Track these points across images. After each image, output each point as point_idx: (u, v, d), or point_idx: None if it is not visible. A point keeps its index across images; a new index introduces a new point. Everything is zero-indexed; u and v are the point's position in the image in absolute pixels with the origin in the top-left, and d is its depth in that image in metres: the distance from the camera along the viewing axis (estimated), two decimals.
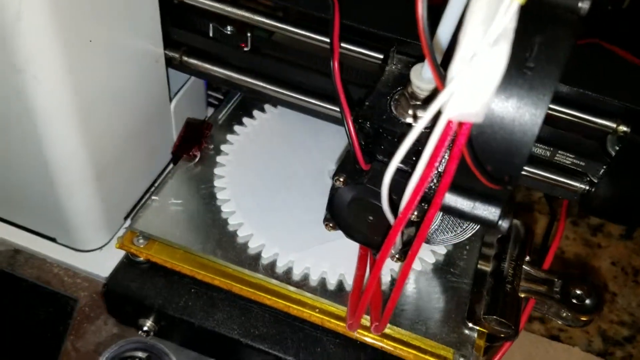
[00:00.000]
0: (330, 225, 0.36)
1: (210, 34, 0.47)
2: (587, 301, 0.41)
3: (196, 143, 0.48)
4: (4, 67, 0.34)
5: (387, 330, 0.39)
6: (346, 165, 0.33)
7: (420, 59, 0.31)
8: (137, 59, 0.42)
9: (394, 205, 0.30)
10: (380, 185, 0.28)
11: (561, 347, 0.61)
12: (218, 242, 0.42)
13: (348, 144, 0.32)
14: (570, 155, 0.40)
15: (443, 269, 0.43)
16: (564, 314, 0.41)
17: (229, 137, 0.49)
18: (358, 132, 0.32)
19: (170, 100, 0.49)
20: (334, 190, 0.34)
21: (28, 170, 0.41)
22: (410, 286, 0.41)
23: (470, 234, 0.42)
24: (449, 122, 0.24)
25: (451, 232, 0.42)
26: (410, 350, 0.39)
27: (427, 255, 0.43)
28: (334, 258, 0.41)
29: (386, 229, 0.31)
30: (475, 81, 0.23)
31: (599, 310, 0.41)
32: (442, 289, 0.41)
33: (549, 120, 0.39)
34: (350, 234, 0.35)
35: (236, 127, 0.50)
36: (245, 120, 0.50)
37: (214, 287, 0.41)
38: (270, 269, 0.41)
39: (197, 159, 0.47)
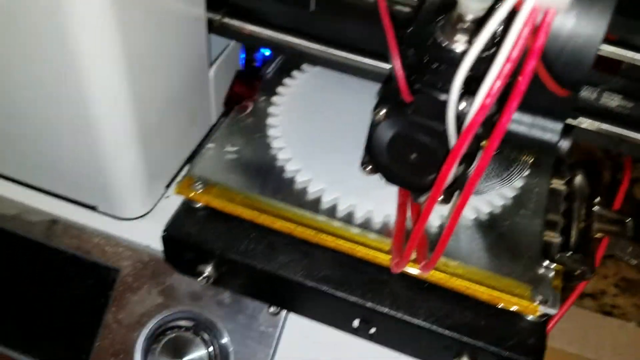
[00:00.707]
0: (369, 168, 0.34)
1: None
2: None
3: (248, 95, 0.47)
4: (51, 19, 0.33)
5: (457, 269, 0.38)
6: (388, 97, 0.30)
7: None
8: (177, 19, 0.41)
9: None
10: (426, 117, 0.26)
11: (616, 322, 0.59)
12: (277, 187, 0.41)
13: (390, 74, 0.30)
14: None
15: (512, 211, 0.41)
16: (635, 253, 0.40)
17: (279, 89, 0.48)
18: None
19: (210, 66, 0.47)
20: (374, 126, 0.32)
21: (71, 133, 0.40)
22: (477, 226, 0.40)
23: (516, 179, 0.41)
24: (534, 9, 0.22)
25: (497, 177, 0.41)
26: (483, 289, 0.37)
27: (495, 199, 0.41)
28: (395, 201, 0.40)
29: (432, 165, 0.29)
30: None
31: None
32: (513, 230, 0.40)
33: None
34: (390, 177, 0.34)
35: (285, 80, 0.49)
36: (294, 73, 0.49)
37: (274, 231, 0.40)
38: (331, 213, 0.40)
39: (248, 110, 0.46)
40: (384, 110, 0.30)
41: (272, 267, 0.39)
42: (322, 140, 0.44)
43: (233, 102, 0.47)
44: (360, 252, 0.39)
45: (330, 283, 0.39)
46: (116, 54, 0.35)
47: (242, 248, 0.40)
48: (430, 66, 0.29)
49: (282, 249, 0.40)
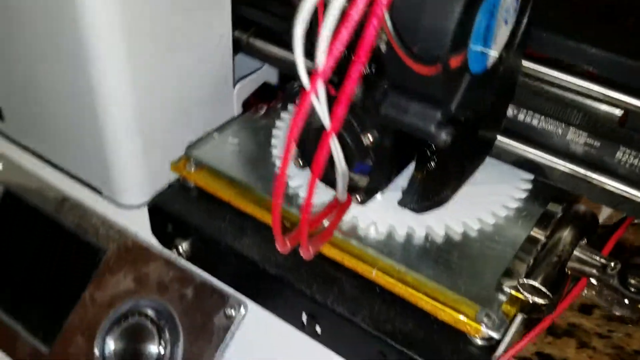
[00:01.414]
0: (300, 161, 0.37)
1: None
2: None
3: (267, 100, 0.49)
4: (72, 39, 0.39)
5: (407, 277, 0.36)
6: None
7: None
8: (201, 34, 0.44)
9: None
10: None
11: None
12: (262, 179, 0.42)
13: None
14: None
15: (489, 236, 0.39)
16: (618, 302, 0.36)
17: (297, 100, 0.49)
18: None
19: (237, 82, 0.50)
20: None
21: (79, 113, 0.44)
22: (446, 242, 0.38)
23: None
24: None
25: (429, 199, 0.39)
26: (427, 299, 0.35)
27: (472, 221, 0.39)
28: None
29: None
30: None
31: None
32: (483, 253, 0.38)
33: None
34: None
35: None
36: None
37: (248, 216, 0.41)
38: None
39: (262, 113, 0.48)
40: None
41: (235, 246, 0.40)
42: None
43: (250, 106, 0.49)
44: (326, 250, 0.38)
45: (282, 269, 0.39)
46: (122, 57, 0.40)
47: (215, 226, 0.41)
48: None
49: (250, 233, 0.41)
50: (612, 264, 0.37)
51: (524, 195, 0.41)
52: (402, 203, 0.39)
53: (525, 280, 0.35)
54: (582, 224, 0.39)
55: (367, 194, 0.38)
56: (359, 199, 0.37)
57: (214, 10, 0.45)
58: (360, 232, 0.38)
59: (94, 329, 0.45)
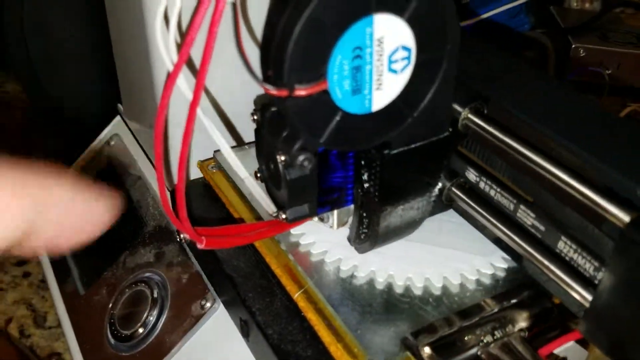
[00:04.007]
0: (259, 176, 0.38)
1: None
2: None
3: None
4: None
5: (324, 307, 0.37)
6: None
7: None
8: None
9: None
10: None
11: None
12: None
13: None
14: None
15: (430, 295, 0.38)
16: None
17: None
18: None
19: None
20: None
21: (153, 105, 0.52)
22: (383, 288, 0.38)
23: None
24: None
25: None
26: (329, 334, 0.36)
27: (417, 278, 0.38)
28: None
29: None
30: None
31: None
32: (410, 307, 0.37)
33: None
34: (268, 189, 0.37)
35: None
36: None
37: (233, 219, 0.44)
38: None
39: None
40: (256, 116, 0.35)
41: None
42: None
43: None
44: (274, 264, 0.40)
45: (236, 271, 0.42)
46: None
47: (207, 221, 0.46)
48: None
49: None
50: None
51: (504, 265, 0.39)
52: (348, 237, 0.40)
53: (426, 344, 0.34)
54: (535, 313, 0.36)
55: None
56: (283, 218, 0.37)
57: None
58: (312, 257, 0.40)
59: (115, 287, 0.53)
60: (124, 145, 0.62)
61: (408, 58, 0.30)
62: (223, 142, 0.40)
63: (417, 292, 0.38)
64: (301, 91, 0.27)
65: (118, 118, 0.64)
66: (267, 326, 0.38)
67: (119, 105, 0.64)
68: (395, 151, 0.34)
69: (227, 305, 0.44)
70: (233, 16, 0.30)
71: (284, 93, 0.27)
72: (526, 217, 0.34)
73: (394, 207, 0.37)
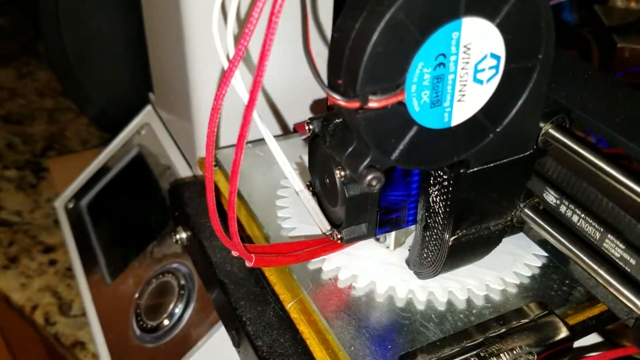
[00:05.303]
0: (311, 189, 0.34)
1: None
2: None
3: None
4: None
5: (314, 315, 0.34)
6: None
7: None
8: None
9: None
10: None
11: None
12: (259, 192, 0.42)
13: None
14: None
15: (431, 314, 0.35)
16: None
17: None
18: None
19: None
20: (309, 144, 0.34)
21: (184, 101, 0.51)
22: (385, 301, 0.35)
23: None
24: None
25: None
26: (322, 349, 0.33)
27: (421, 294, 0.36)
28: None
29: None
30: None
31: None
32: (412, 327, 0.34)
33: None
34: (320, 204, 0.34)
35: None
36: None
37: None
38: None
39: (306, 136, 0.50)
40: (312, 126, 0.32)
41: (205, 243, 0.41)
42: None
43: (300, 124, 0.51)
44: (268, 270, 0.38)
45: (229, 277, 0.39)
46: None
47: (200, 222, 0.43)
48: None
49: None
50: None
51: (516, 280, 0.36)
52: (407, 261, 0.37)
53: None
54: (542, 338, 0.33)
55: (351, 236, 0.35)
56: (338, 238, 0.35)
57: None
58: (309, 264, 0.37)
59: (142, 277, 0.52)
60: (154, 134, 0.62)
61: (496, 67, 0.27)
62: (280, 153, 0.34)
63: (420, 307, 0.35)
64: (375, 103, 0.25)
65: (149, 107, 0.64)
66: (257, 337, 0.36)
67: (150, 95, 0.64)
68: (471, 170, 0.30)
69: (219, 312, 0.41)
70: (302, 11, 0.28)
71: (355, 105, 0.24)
72: (614, 248, 0.31)
73: (464, 232, 0.33)
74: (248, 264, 0.34)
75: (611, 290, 0.31)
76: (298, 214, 0.40)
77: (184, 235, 0.44)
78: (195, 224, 0.43)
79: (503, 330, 0.33)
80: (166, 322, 0.48)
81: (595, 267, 0.31)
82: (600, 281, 0.31)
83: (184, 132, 0.54)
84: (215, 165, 0.45)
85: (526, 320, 0.34)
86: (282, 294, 0.37)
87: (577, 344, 0.36)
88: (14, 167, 0.80)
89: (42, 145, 0.84)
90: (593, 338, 0.41)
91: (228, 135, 0.49)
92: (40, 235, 0.69)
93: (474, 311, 0.35)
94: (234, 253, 0.33)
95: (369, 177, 0.27)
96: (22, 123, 0.89)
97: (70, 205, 0.65)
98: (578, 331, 0.35)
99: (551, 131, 0.32)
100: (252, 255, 0.33)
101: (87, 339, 0.58)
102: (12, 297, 0.62)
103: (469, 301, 0.35)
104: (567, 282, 0.37)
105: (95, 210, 0.62)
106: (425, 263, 0.35)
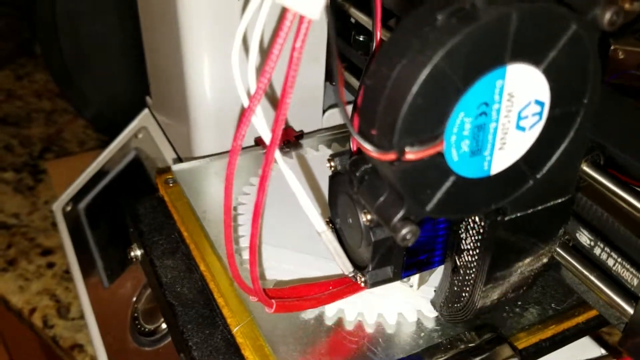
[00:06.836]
0: (331, 225, 0.32)
1: None
2: None
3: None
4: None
5: (260, 340, 0.34)
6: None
7: None
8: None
9: None
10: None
11: None
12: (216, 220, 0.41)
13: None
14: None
15: (378, 338, 0.34)
16: None
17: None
18: None
19: (324, 112, 0.54)
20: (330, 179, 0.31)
21: (180, 106, 0.51)
22: (325, 333, 0.35)
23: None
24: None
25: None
26: None
27: (370, 317, 0.35)
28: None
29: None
30: None
31: None
32: (359, 352, 0.33)
33: None
34: (340, 241, 0.32)
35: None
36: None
37: (184, 241, 0.41)
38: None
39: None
40: (334, 163, 0.31)
41: (156, 263, 0.40)
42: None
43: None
44: (216, 292, 0.37)
45: (178, 299, 0.38)
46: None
47: (153, 240, 0.41)
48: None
49: (179, 257, 0.40)
50: None
51: None
52: (433, 302, 0.36)
53: None
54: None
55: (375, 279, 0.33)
56: (362, 281, 0.32)
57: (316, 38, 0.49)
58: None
59: (140, 280, 0.52)
60: (151, 138, 0.62)
61: (540, 113, 0.26)
62: (299, 189, 0.30)
63: (369, 329, 0.35)
64: (411, 155, 0.23)
65: (146, 111, 0.64)
66: None
67: (147, 98, 0.64)
68: (508, 217, 0.29)
69: (171, 335, 0.40)
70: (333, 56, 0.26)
71: (390, 157, 0.23)
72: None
73: (497, 279, 0.32)
74: (268, 311, 0.32)
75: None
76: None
77: (138, 252, 0.43)
78: (146, 242, 0.41)
79: (452, 354, 0.33)
80: (164, 325, 0.48)
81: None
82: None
83: (180, 136, 0.55)
84: (172, 180, 0.44)
85: (473, 345, 0.34)
86: (229, 317, 0.35)
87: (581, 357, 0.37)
88: (11, 170, 0.80)
89: (40, 147, 0.85)
90: (596, 351, 0.41)
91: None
92: (38, 238, 0.70)
93: (422, 334, 0.34)
94: (253, 299, 0.32)
95: (404, 231, 0.25)
96: (20, 125, 0.89)
97: (68, 209, 0.65)
98: (530, 353, 0.35)
99: (586, 169, 0.30)
100: (273, 301, 0.32)
101: (85, 341, 0.58)
102: (11, 299, 0.63)
103: (418, 323, 0.35)
104: (519, 304, 0.37)
105: (92, 214, 0.63)
106: (455, 308, 0.33)
